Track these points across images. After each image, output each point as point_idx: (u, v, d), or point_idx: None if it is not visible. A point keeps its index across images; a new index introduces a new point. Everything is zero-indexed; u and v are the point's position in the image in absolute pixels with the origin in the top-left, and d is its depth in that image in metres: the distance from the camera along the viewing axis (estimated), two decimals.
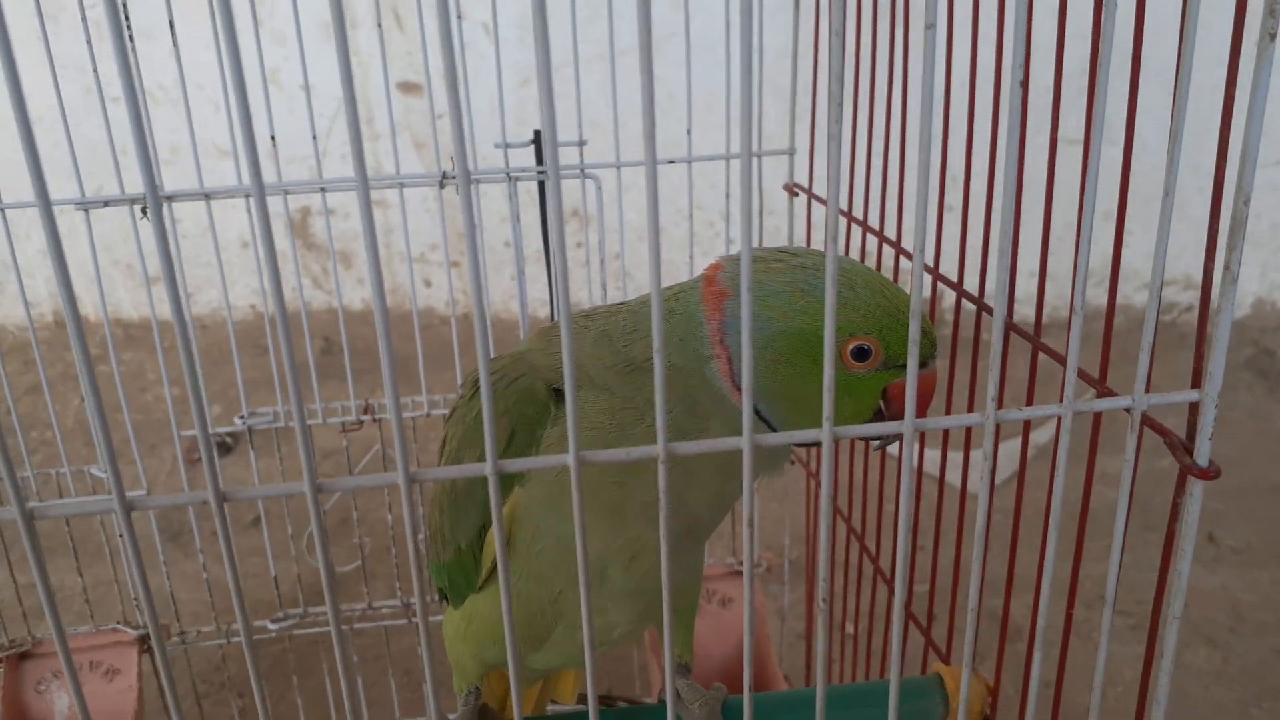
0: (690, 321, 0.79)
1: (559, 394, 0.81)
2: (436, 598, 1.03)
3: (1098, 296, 3.58)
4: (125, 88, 0.46)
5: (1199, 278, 0.70)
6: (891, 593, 1.32)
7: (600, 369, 0.81)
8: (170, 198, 1.34)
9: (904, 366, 0.73)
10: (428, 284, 3.83)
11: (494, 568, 0.89)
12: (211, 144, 3.23)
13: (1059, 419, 0.67)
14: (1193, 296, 3.91)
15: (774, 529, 2.33)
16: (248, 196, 1.38)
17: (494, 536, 0.84)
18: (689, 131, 1.47)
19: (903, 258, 1.20)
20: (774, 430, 0.79)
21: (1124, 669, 2.05)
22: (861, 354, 0.76)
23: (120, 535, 1.52)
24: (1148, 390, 0.67)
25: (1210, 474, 0.67)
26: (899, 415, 0.77)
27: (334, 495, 1.79)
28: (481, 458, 0.84)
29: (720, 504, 0.86)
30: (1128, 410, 0.70)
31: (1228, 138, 0.68)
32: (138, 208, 1.34)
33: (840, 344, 0.75)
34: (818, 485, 1.62)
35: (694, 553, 0.94)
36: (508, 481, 0.82)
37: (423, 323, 3.89)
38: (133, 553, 0.55)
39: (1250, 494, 2.71)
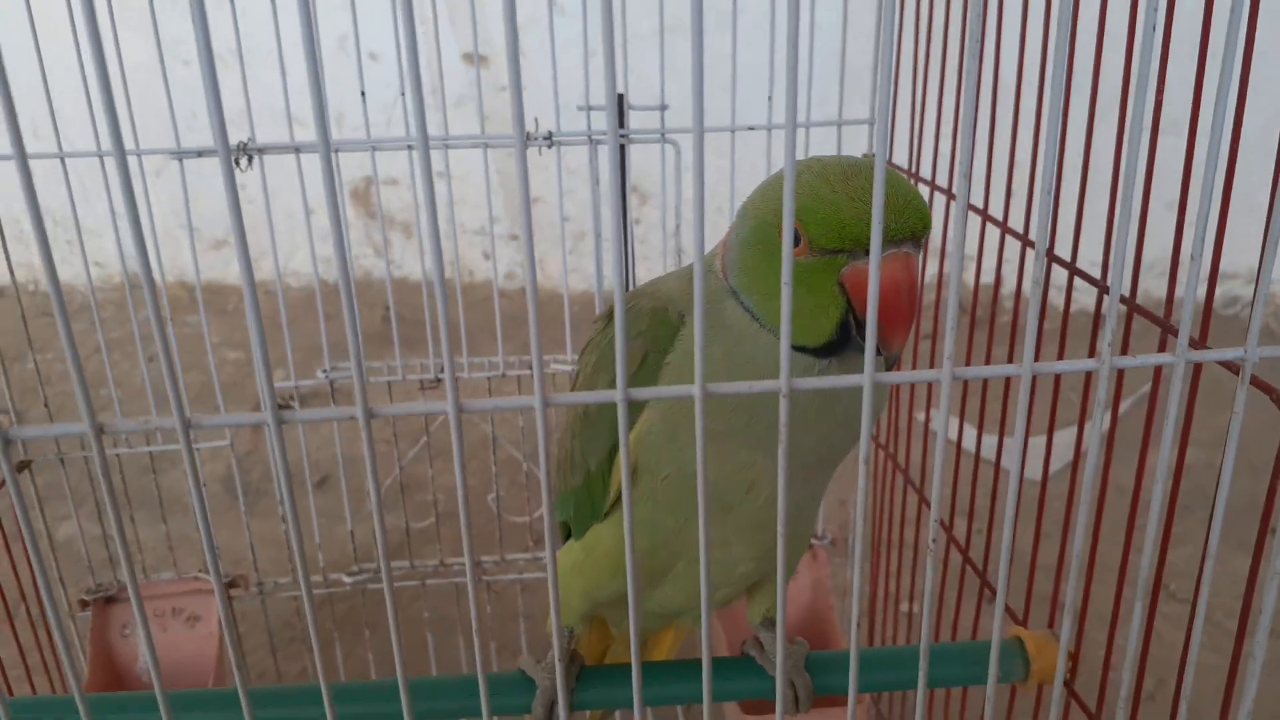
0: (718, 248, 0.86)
1: (682, 318, 0.84)
2: (539, 549, 1.05)
3: (1157, 289, 3.53)
4: (201, 48, 0.48)
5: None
6: (965, 559, 1.33)
7: (687, 302, 0.85)
8: (262, 150, 1.38)
9: (863, 253, 0.72)
10: (486, 256, 3.86)
11: (617, 494, 0.90)
12: (279, 110, 3.27)
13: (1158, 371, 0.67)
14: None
15: (840, 506, 2.33)
16: (336, 151, 1.41)
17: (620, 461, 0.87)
18: (770, 98, 1.48)
19: (1011, 237, 1.20)
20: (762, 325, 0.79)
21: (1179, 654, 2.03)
22: (795, 239, 0.74)
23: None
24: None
25: None
26: (859, 306, 0.73)
27: (409, 453, 1.83)
28: (614, 381, 0.86)
29: (828, 436, 0.84)
30: (1235, 371, 0.70)
31: None
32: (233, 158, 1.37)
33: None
34: (887, 458, 1.62)
35: (810, 490, 0.91)
36: (636, 406, 0.84)
37: (483, 295, 3.91)
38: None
39: None
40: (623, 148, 1.44)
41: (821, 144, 1.53)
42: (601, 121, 1.43)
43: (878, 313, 0.58)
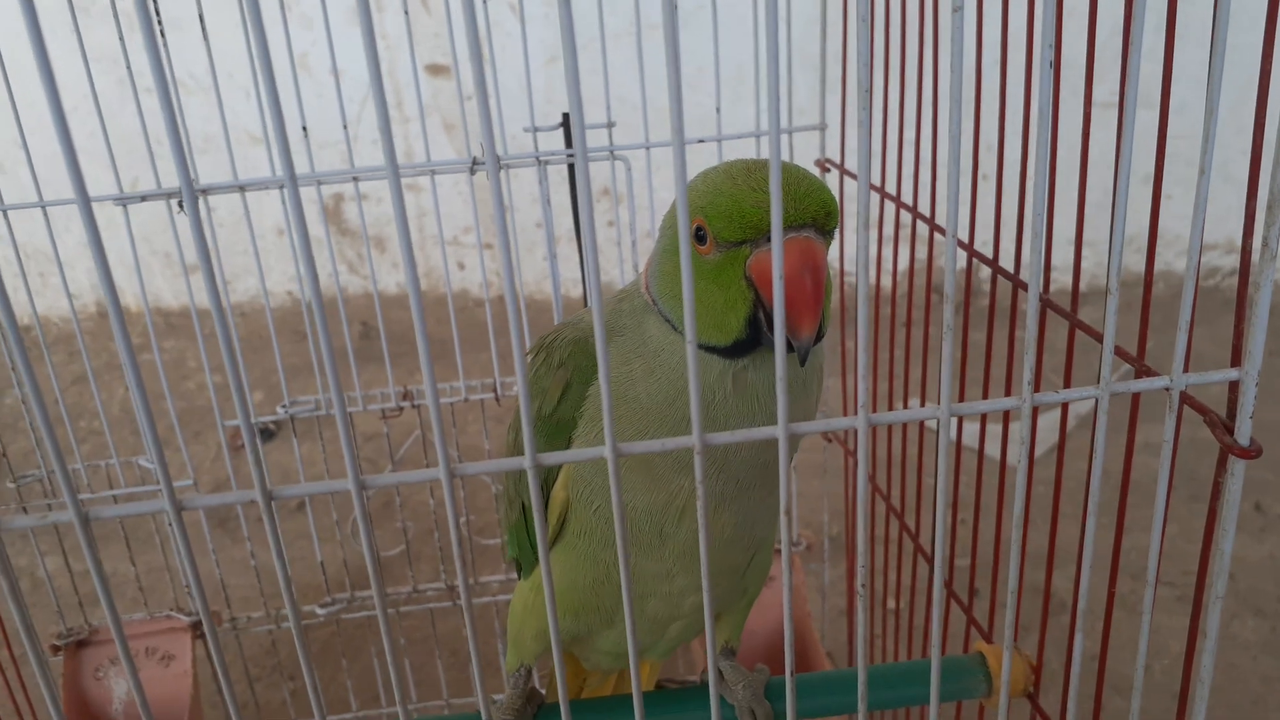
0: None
1: None
2: (511, 571, 1.02)
3: (1137, 264, 3.52)
4: (158, 83, 0.47)
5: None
6: (932, 570, 1.32)
7: (618, 320, 0.85)
8: (205, 191, 1.36)
9: (766, 241, 0.71)
10: (461, 267, 3.85)
11: (560, 527, 0.89)
12: (244, 131, 3.26)
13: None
14: (1236, 261, 3.85)
15: (814, 506, 2.33)
16: (282, 187, 1.40)
17: (556, 497, 0.86)
18: (718, 109, 1.46)
19: (937, 234, 1.19)
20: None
21: (1170, 641, 2.03)
22: (700, 236, 0.74)
23: (170, 525, 1.56)
24: (1186, 369, 0.66)
25: (1251, 453, 0.67)
26: (766, 296, 0.72)
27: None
28: (541, 413, 0.85)
29: (760, 448, 0.81)
30: (1167, 389, 0.70)
31: (1266, 101, 0.67)
32: (174, 201, 1.36)
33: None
34: (857, 463, 1.61)
35: (755, 506, 0.87)
36: (562, 434, 0.83)
37: (457, 305, 3.92)
38: (184, 550, 0.56)
39: None
40: (571, 166, 1.43)
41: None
42: (548, 142, 1.43)
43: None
